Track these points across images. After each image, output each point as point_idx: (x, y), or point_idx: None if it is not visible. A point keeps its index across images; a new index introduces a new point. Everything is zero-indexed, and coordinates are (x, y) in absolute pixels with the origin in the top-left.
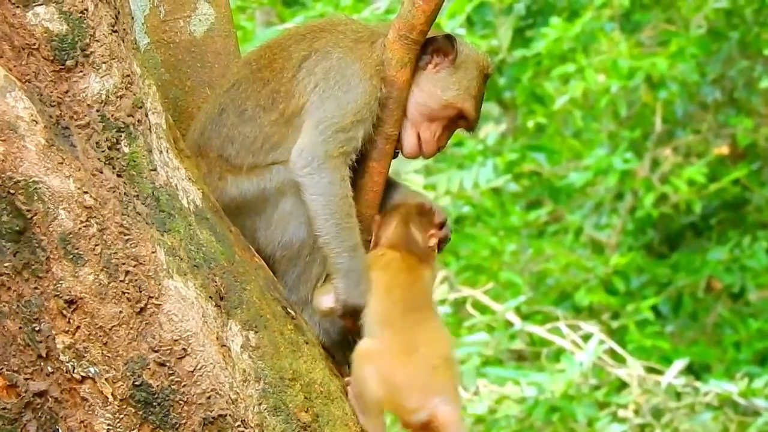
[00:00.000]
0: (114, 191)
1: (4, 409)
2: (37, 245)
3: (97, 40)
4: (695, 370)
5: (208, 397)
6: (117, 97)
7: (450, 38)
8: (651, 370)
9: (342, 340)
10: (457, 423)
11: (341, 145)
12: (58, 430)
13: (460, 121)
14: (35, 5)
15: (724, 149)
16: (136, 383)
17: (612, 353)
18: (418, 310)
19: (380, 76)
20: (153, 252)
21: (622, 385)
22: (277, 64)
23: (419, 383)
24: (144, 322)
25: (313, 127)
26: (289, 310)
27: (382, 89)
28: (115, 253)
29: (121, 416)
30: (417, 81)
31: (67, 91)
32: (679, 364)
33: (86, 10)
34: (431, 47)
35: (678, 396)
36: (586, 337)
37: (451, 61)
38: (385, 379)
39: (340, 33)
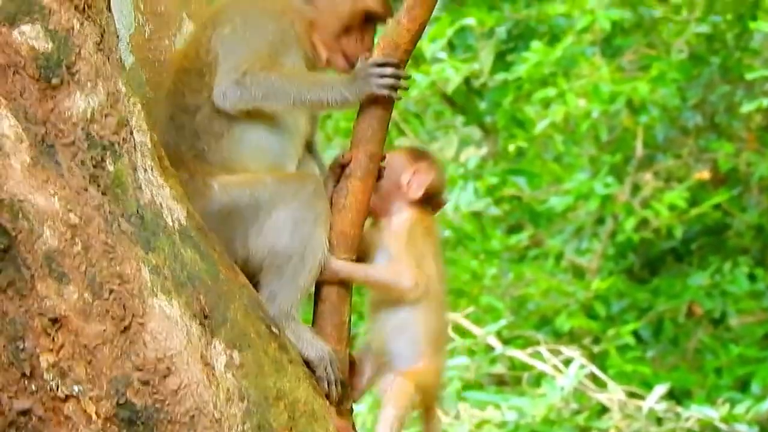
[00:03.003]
0: (99, 209)
1: None
2: (21, 263)
3: (83, 59)
4: (676, 395)
5: (192, 416)
6: (102, 116)
7: None
8: (632, 394)
9: (324, 354)
10: None
11: (261, 61)
12: None
13: (372, 20)
14: (21, 23)
15: (705, 174)
16: (120, 402)
17: (593, 378)
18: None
19: (290, 16)
20: (137, 270)
21: (603, 410)
22: (191, 50)
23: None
24: (128, 341)
25: (225, 71)
26: (273, 329)
27: (295, 25)
28: (100, 271)
29: None
30: (315, 4)
31: (52, 109)
32: (660, 389)
33: (72, 28)
34: None
35: (659, 421)
36: (567, 362)
37: None
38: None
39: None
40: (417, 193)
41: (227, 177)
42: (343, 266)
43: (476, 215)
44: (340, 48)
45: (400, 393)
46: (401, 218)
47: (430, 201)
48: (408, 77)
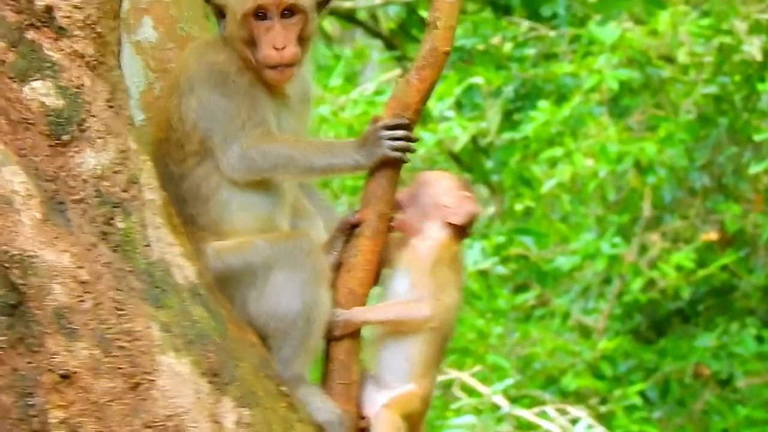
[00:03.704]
0: (108, 266)
1: None
2: (31, 319)
3: (93, 116)
4: None
5: None
6: (112, 173)
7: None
8: None
9: (334, 417)
10: None
11: (253, 132)
12: None
13: (267, 17)
14: (32, 80)
15: (712, 235)
16: None
17: None
18: None
19: (233, 64)
20: (147, 327)
21: None
22: (163, 120)
23: None
24: (138, 398)
25: (220, 145)
26: (282, 388)
27: (242, 70)
28: (110, 328)
29: None
30: (228, 38)
31: (62, 166)
32: None
33: (82, 85)
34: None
35: None
36: (574, 422)
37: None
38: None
39: (188, 63)
40: (460, 219)
41: (220, 243)
42: (356, 314)
43: (483, 274)
44: (262, 62)
45: (388, 427)
46: (431, 242)
47: (461, 231)
48: (417, 139)
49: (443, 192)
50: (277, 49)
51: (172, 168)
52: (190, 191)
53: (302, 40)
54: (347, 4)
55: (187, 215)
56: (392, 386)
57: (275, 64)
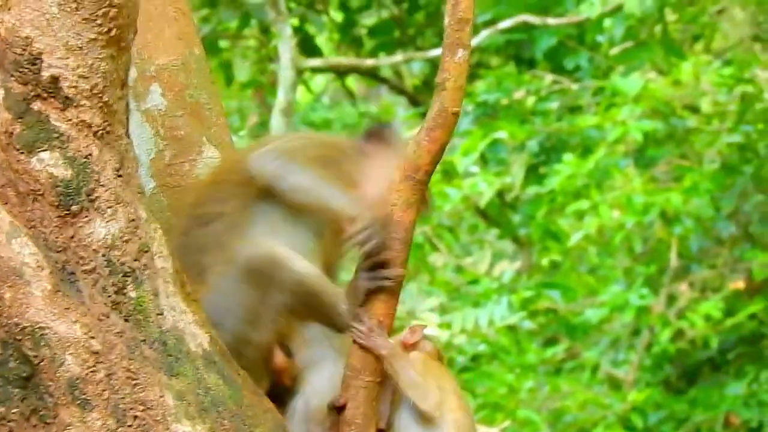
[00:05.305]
0: (121, 336)
1: None
2: (44, 391)
3: (102, 185)
4: None
5: None
6: (123, 242)
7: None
8: None
9: None
10: None
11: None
12: None
13: None
14: (39, 151)
15: (740, 284)
16: None
17: None
18: None
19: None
20: (161, 396)
21: None
22: (226, 165)
23: None
24: None
25: (269, 147)
26: None
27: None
28: (123, 398)
29: None
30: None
31: (72, 236)
32: None
33: (90, 155)
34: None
35: None
36: None
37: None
38: None
39: None
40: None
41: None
42: (384, 343)
43: (511, 329)
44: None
45: None
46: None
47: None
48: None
49: None
50: None
51: (209, 208)
52: (212, 233)
53: None
54: (370, 62)
55: (203, 263)
56: None
57: None
